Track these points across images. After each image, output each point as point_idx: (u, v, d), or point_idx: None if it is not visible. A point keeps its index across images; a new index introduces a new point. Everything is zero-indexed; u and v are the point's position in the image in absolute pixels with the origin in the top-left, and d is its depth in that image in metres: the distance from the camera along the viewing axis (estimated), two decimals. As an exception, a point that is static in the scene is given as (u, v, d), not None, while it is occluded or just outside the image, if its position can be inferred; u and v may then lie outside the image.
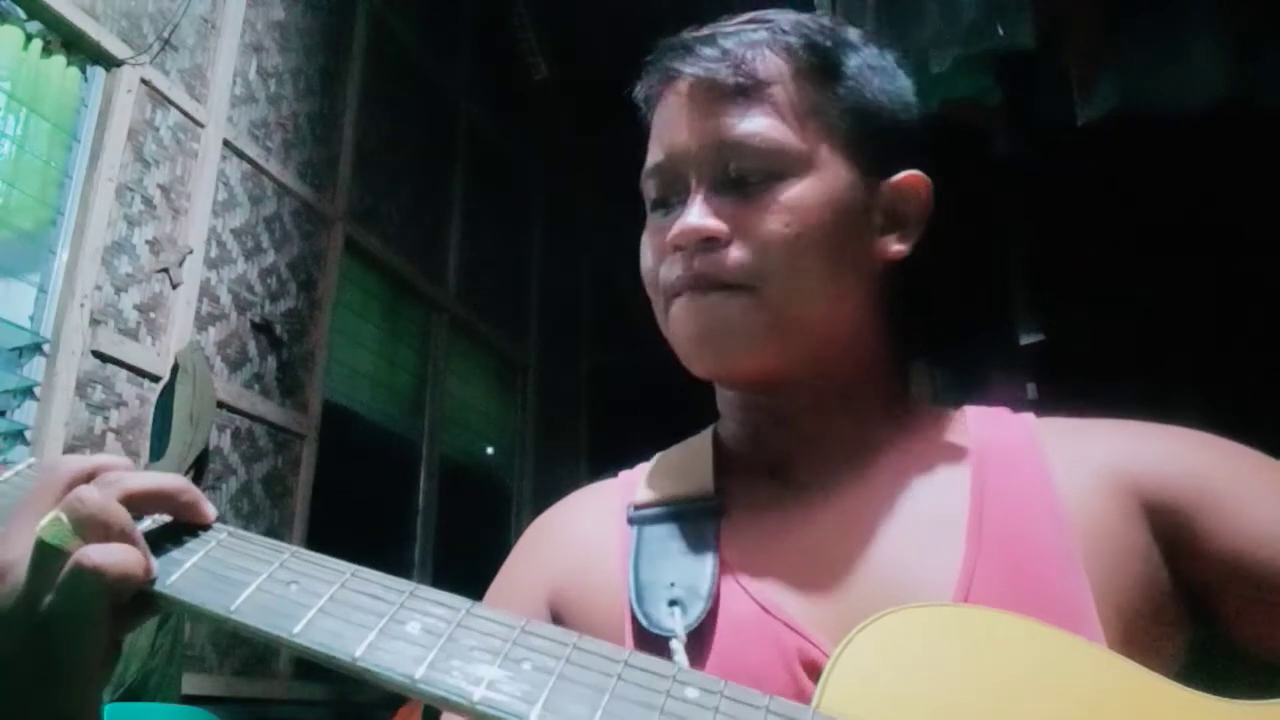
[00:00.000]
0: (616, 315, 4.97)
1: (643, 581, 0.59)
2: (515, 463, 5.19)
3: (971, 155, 2.90)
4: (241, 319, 3.22)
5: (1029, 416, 0.64)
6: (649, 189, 0.66)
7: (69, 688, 0.47)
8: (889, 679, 0.46)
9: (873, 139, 0.63)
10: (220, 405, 3.01)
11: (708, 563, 0.58)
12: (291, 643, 0.44)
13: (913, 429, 0.65)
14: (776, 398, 0.64)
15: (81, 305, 2.57)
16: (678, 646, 0.53)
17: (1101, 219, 3.40)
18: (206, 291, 3.05)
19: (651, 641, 0.55)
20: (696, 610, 0.56)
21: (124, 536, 0.47)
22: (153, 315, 2.83)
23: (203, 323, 3.03)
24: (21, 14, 2.52)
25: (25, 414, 2.47)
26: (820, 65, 0.63)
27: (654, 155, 0.65)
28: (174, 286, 2.90)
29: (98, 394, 2.61)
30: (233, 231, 3.22)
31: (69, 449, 2.48)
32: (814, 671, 0.51)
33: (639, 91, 0.68)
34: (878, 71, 0.65)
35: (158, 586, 0.47)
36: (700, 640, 0.55)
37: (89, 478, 0.50)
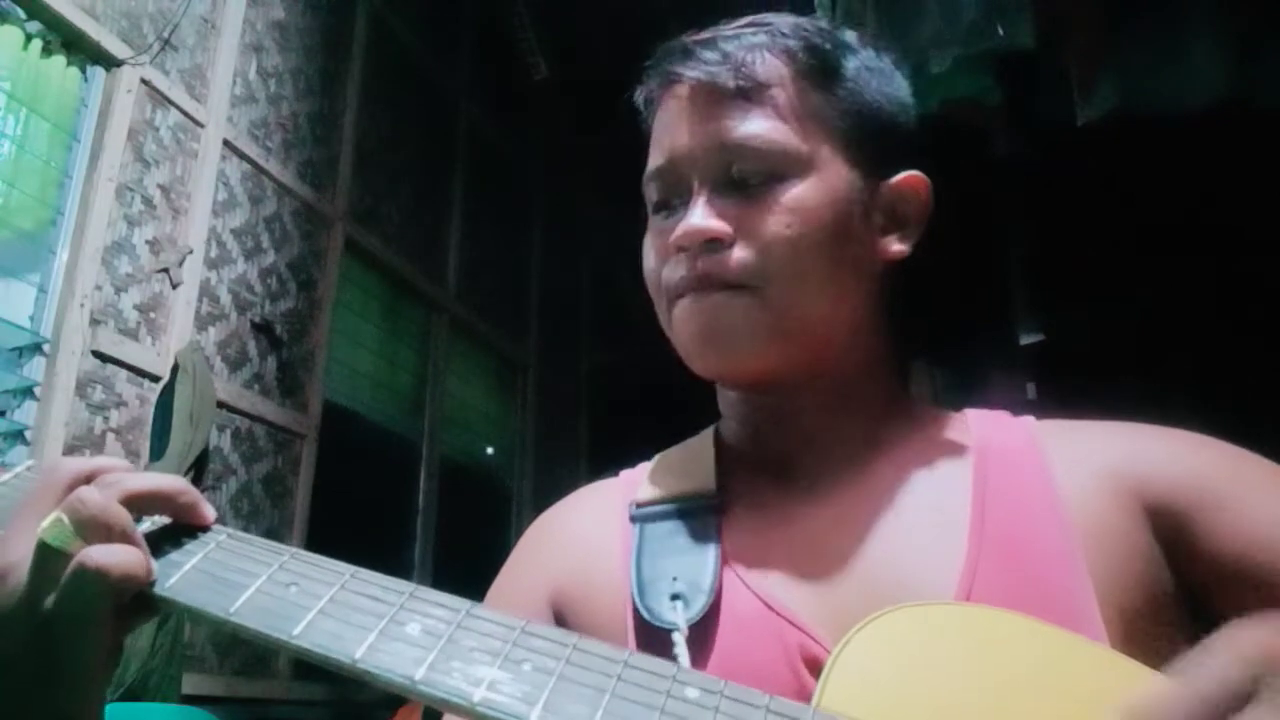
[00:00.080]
0: (616, 315, 4.98)
1: (645, 577, 0.59)
2: (515, 463, 5.19)
3: (971, 155, 2.90)
4: (241, 319, 3.22)
5: (1029, 419, 0.64)
6: (650, 192, 0.66)
7: (71, 688, 0.47)
8: (890, 677, 0.46)
9: (872, 140, 0.64)
10: (220, 405, 3.01)
11: (710, 558, 0.59)
12: (291, 645, 0.44)
13: (914, 428, 0.65)
14: (778, 397, 0.64)
15: (81, 305, 2.57)
16: (679, 639, 0.54)
17: (1101, 219, 3.40)
18: (206, 291, 3.05)
19: (653, 635, 0.55)
20: (699, 604, 0.56)
21: (125, 537, 0.47)
22: (153, 315, 2.83)
23: (203, 323, 3.03)
24: (21, 14, 2.52)
25: (25, 414, 2.47)
26: (820, 67, 0.64)
27: (655, 158, 0.65)
28: (174, 286, 2.90)
29: (98, 394, 2.61)
30: (233, 231, 3.22)
31: (69, 449, 2.48)
32: (815, 667, 0.52)
33: (639, 95, 0.69)
34: (876, 73, 0.66)
35: (157, 589, 0.47)
36: (702, 636, 0.55)
37: (89, 479, 0.50)
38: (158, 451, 2.69)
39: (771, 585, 0.57)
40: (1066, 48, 2.47)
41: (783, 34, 0.64)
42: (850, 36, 0.67)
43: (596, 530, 0.66)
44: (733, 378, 0.65)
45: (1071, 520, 0.56)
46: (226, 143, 3.18)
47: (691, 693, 0.42)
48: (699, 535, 0.61)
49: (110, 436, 2.64)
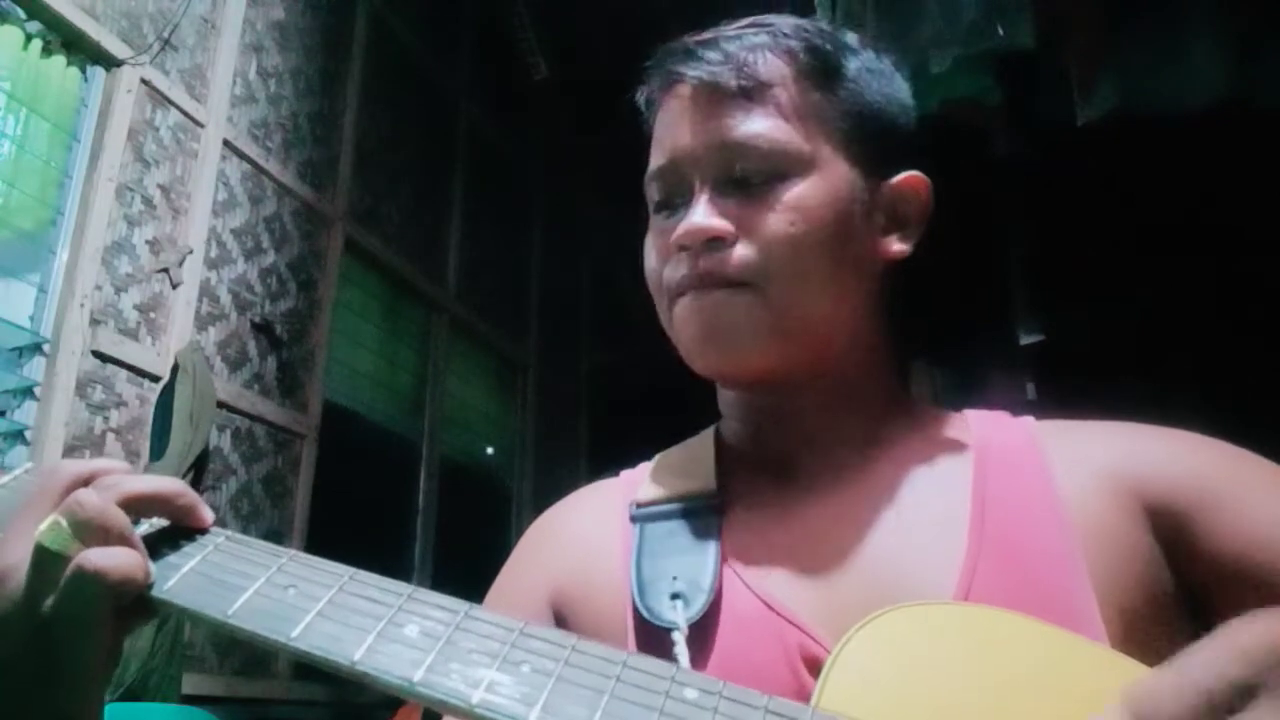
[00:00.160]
0: (616, 315, 4.98)
1: (645, 576, 0.59)
2: (515, 463, 5.19)
3: (971, 155, 2.90)
4: (241, 319, 3.22)
5: (1029, 419, 0.64)
6: (652, 191, 0.66)
7: (70, 689, 0.47)
8: (889, 677, 0.46)
9: (873, 140, 0.64)
10: (220, 405, 3.01)
11: (710, 558, 0.59)
12: (289, 647, 0.44)
13: (913, 428, 0.65)
14: (778, 397, 0.65)
15: (81, 305, 2.57)
16: (679, 638, 0.54)
17: (1101, 219, 3.40)
18: (206, 291, 3.05)
19: (653, 634, 0.55)
20: (698, 603, 0.56)
21: (123, 540, 0.47)
22: (153, 315, 2.83)
23: (203, 323, 3.03)
24: (21, 14, 2.52)
25: (25, 414, 2.47)
26: (821, 68, 0.64)
27: (657, 158, 0.65)
28: (174, 286, 2.90)
29: (98, 394, 2.61)
30: (233, 231, 3.22)
31: (69, 449, 2.48)
32: (815, 667, 0.52)
33: (640, 95, 0.69)
34: (876, 75, 0.66)
35: (155, 591, 0.47)
36: (702, 635, 0.55)
37: (87, 481, 0.50)
38: (158, 451, 2.69)
39: (771, 585, 0.57)
40: (1066, 48, 2.47)
41: (784, 34, 0.65)
42: (851, 38, 0.68)
43: (597, 530, 0.66)
44: (733, 376, 0.65)
45: (1071, 520, 0.56)
46: (226, 143, 3.18)
47: (690, 693, 0.42)
48: (699, 535, 0.61)
49: (110, 436, 2.64)
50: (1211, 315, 3.34)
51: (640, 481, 0.68)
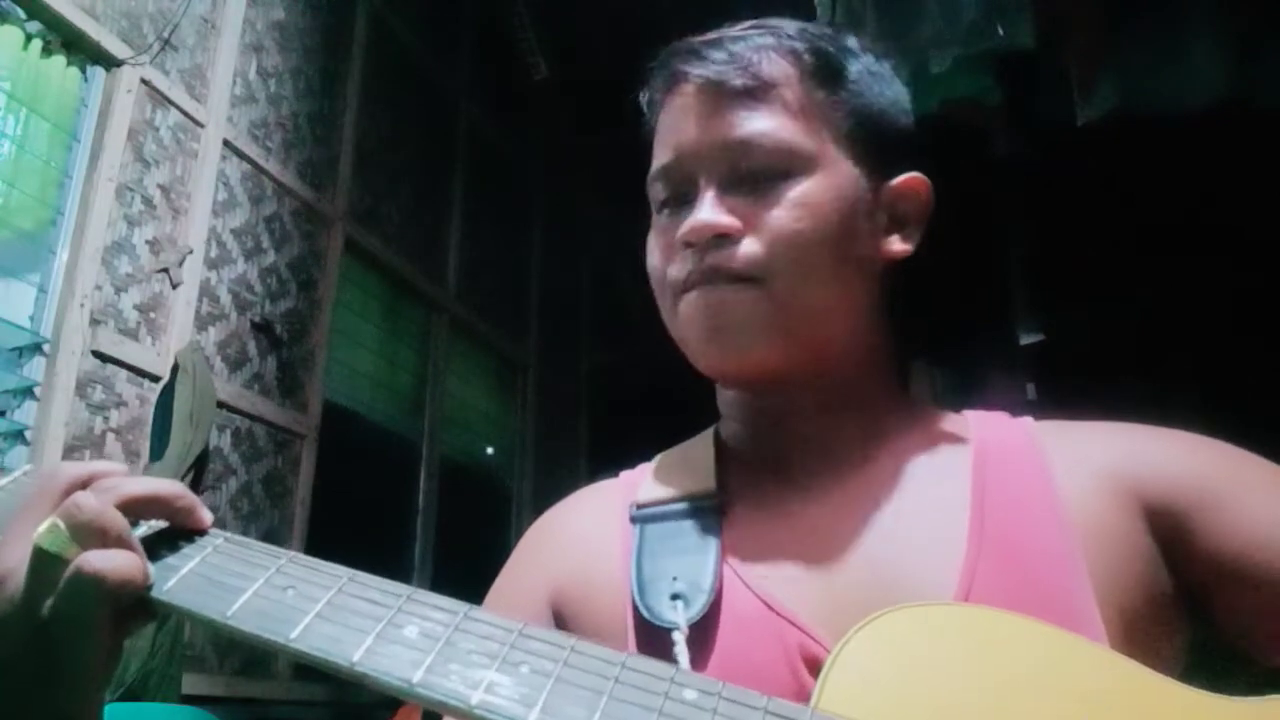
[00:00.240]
0: (616, 315, 4.98)
1: (645, 576, 0.59)
2: (515, 463, 5.19)
3: (971, 155, 2.90)
4: (241, 319, 3.22)
5: (1028, 419, 0.65)
6: (656, 190, 0.66)
7: (70, 691, 0.47)
8: (889, 677, 0.46)
9: (874, 141, 0.65)
10: (220, 405, 3.01)
11: (710, 558, 0.59)
12: (289, 648, 0.44)
13: (913, 428, 0.65)
14: (778, 397, 0.65)
15: (81, 305, 2.57)
16: (679, 638, 0.54)
17: (1101, 219, 3.40)
18: (206, 291, 3.05)
19: (653, 634, 0.55)
20: (699, 604, 0.56)
21: (121, 542, 0.47)
22: (153, 315, 2.83)
23: (203, 323, 3.03)
24: (21, 14, 2.52)
25: (25, 414, 2.47)
26: (825, 69, 0.64)
27: (661, 156, 0.65)
28: (174, 286, 2.90)
29: (98, 394, 2.61)
30: (233, 231, 3.22)
31: (69, 449, 2.48)
32: (815, 667, 0.52)
33: (644, 94, 0.69)
34: (877, 77, 0.67)
35: (154, 593, 0.47)
36: (702, 635, 0.55)
37: (85, 484, 0.50)
38: (158, 452, 2.69)
39: (771, 585, 0.57)
40: (1066, 48, 2.47)
41: (789, 36, 0.65)
42: (852, 41, 0.68)
43: (597, 531, 0.66)
44: (736, 373, 0.65)
45: (1071, 520, 0.56)
46: (226, 143, 3.18)
47: (689, 694, 0.42)
48: (699, 535, 0.61)
49: (110, 436, 2.64)
50: (1211, 315, 3.34)
51: (640, 482, 0.68)
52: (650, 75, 0.68)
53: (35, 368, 2.51)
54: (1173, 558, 0.55)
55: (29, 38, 2.56)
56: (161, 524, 0.51)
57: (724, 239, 0.60)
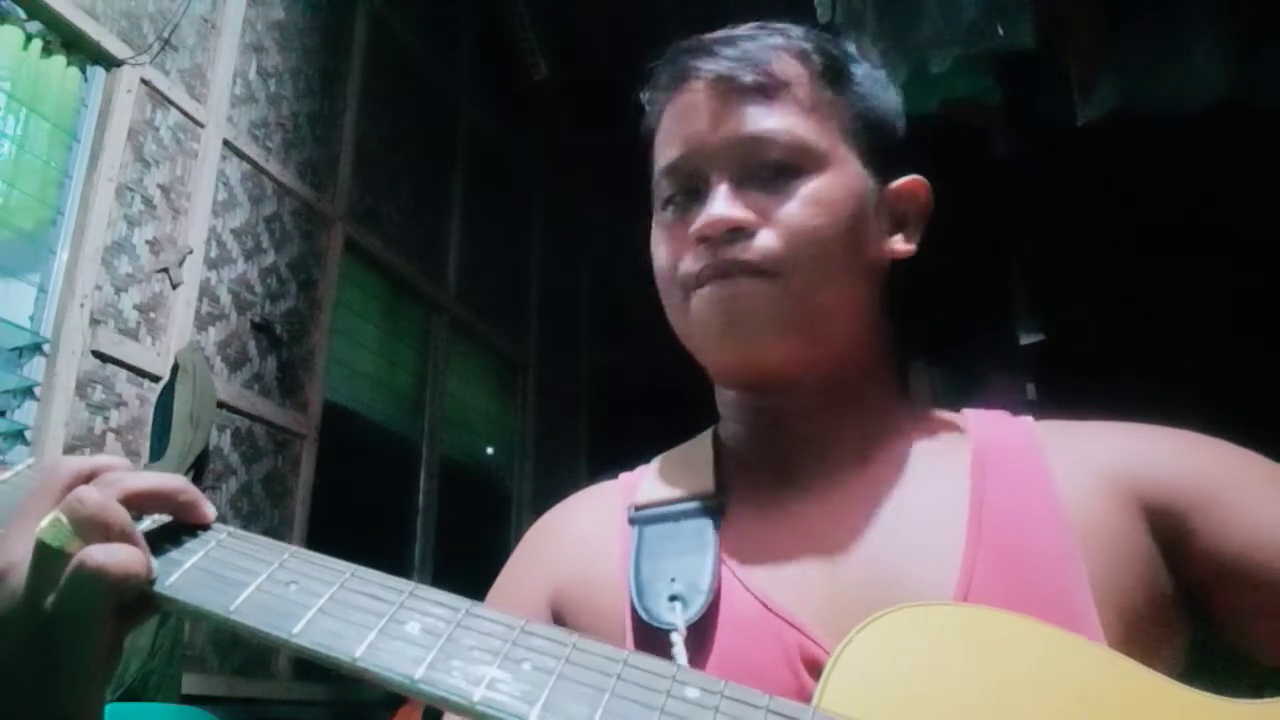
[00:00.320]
0: (616, 315, 4.98)
1: (643, 578, 0.59)
2: (515, 463, 5.19)
3: (971, 155, 2.90)
4: (241, 319, 3.22)
5: (1028, 419, 0.65)
6: (664, 187, 0.66)
7: (71, 688, 0.47)
8: (890, 678, 0.46)
9: (878, 143, 0.66)
10: (220, 405, 3.01)
11: (708, 559, 0.59)
12: (291, 643, 0.44)
13: (913, 429, 0.65)
14: (778, 397, 0.65)
15: (81, 305, 2.57)
16: (677, 640, 0.54)
17: (1101, 219, 3.40)
18: (206, 291, 3.05)
19: (652, 636, 0.55)
20: (697, 605, 0.56)
21: (124, 537, 0.47)
22: (153, 315, 2.83)
23: (203, 323, 3.03)
24: (21, 14, 2.52)
25: (25, 414, 2.47)
26: (833, 70, 0.65)
27: (670, 152, 0.65)
28: (174, 286, 2.90)
29: (98, 394, 2.61)
30: (233, 231, 3.22)
31: (69, 449, 2.48)
32: (815, 668, 0.52)
33: (651, 89, 0.69)
34: (876, 82, 0.68)
35: (157, 587, 0.47)
36: (701, 637, 0.55)
37: (88, 478, 0.50)
38: (158, 451, 2.69)
39: (770, 586, 0.57)
40: (1066, 48, 2.47)
41: (797, 37, 0.66)
42: (851, 46, 0.70)
43: (596, 532, 0.66)
44: (746, 368, 0.64)
45: (1070, 520, 0.56)
46: (226, 143, 3.18)
47: (691, 692, 0.42)
48: (698, 536, 0.61)
49: (110, 436, 2.64)
50: (1211, 315, 3.34)
51: (639, 484, 0.68)
52: (655, 72, 0.68)
53: (35, 368, 2.51)
54: (1173, 558, 0.55)
55: (29, 38, 2.56)
56: (164, 519, 0.51)
57: (738, 233, 0.60)
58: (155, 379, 2.79)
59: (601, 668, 0.43)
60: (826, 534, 0.59)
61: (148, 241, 2.84)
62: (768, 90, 0.62)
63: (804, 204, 0.61)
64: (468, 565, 4.06)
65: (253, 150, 3.32)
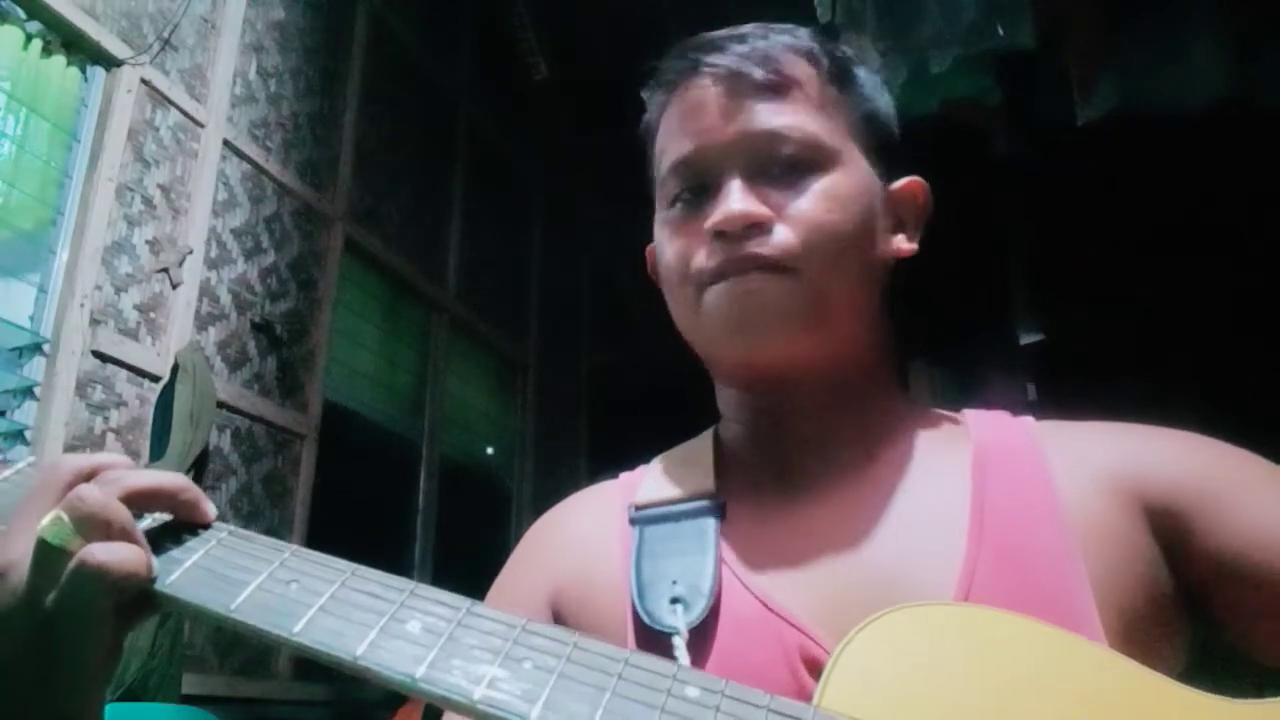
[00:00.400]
0: (616, 315, 4.99)
1: (644, 580, 0.59)
2: (515, 463, 5.19)
3: (971, 155, 2.90)
4: (241, 319, 3.22)
5: (1028, 419, 0.65)
6: (673, 183, 0.65)
7: (71, 687, 0.47)
8: (890, 677, 0.46)
9: (881, 144, 0.66)
10: (220, 405, 3.01)
11: (709, 561, 0.59)
12: (292, 642, 0.44)
13: (913, 429, 0.65)
14: (781, 396, 0.64)
15: (81, 305, 2.57)
16: (680, 643, 0.54)
17: (1101, 219, 3.40)
18: (206, 291, 3.05)
19: (654, 638, 0.55)
20: (699, 607, 0.56)
21: (125, 535, 0.47)
22: (153, 315, 2.83)
23: (203, 323, 3.03)
24: (21, 14, 2.52)
25: (25, 414, 2.47)
26: (839, 71, 0.65)
27: (680, 148, 0.65)
28: (174, 286, 2.90)
29: (98, 394, 2.61)
30: (233, 231, 3.22)
31: (69, 449, 2.47)
32: (815, 669, 0.52)
33: (655, 84, 0.68)
34: (875, 85, 0.69)
35: (158, 586, 0.47)
36: (702, 638, 0.55)
37: (89, 476, 0.50)
38: (158, 451, 2.69)
39: (770, 586, 0.57)
40: (1066, 48, 2.48)
41: (803, 37, 0.66)
42: (850, 49, 0.70)
43: (596, 532, 0.66)
44: (760, 365, 0.63)
45: (1071, 521, 0.56)
46: (226, 143, 3.18)
47: (692, 692, 0.42)
48: (698, 537, 0.61)
49: (110, 436, 2.64)
50: (1211, 315, 3.34)
51: (639, 484, 0.67)
52: (660, 68, 0.68)
53: (35, 368, 2.51)
54: (1173, 558, 0.55)
55: (29, 38, 2.56)
56: (165, 517, 0.51)
57: (754, 229, 0.60)
58: (155, 379, 2.79)
59: (602, 667, 0.43)
60: (827, 534, 0.59)
61: (148, 241, 2.84)
62: (778, 88, 0.62)
63: (818, 200, 0.61)
64: (468, 565, 4.05)
65: (253, 150, 3.32)
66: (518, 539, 0.72)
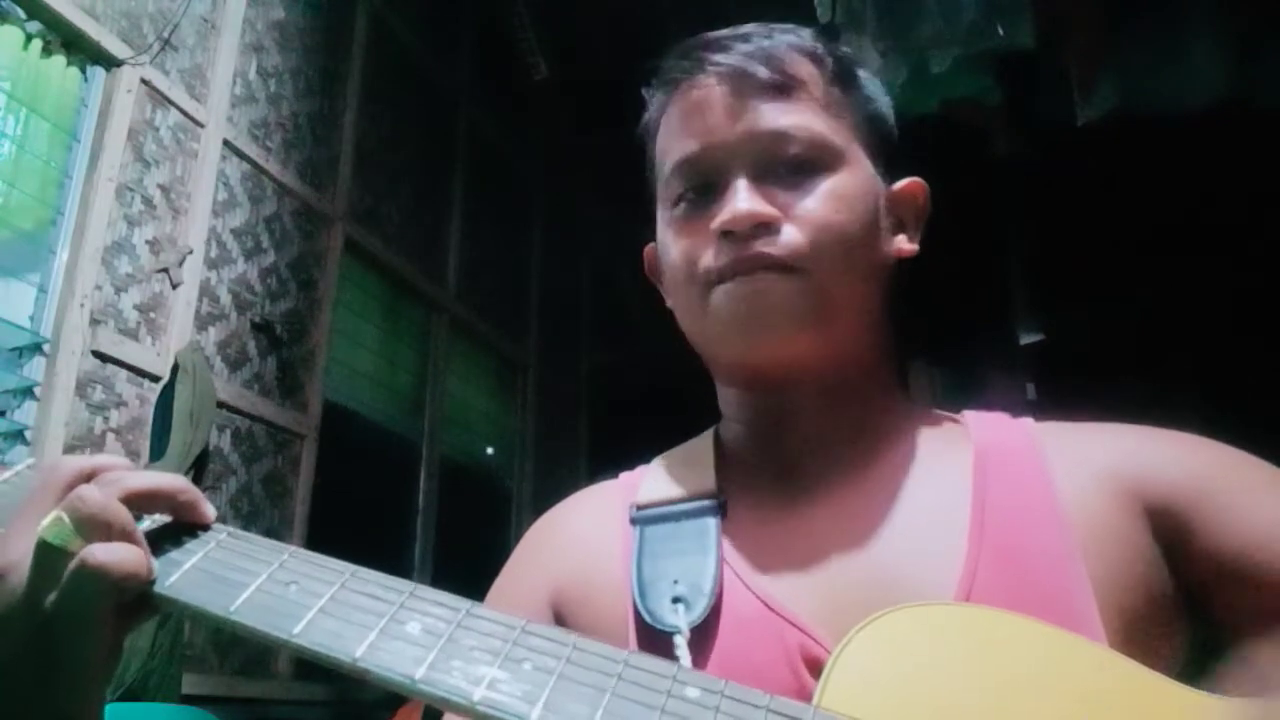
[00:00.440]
0: (616, 315, 4.98)
1: (645, 579, 0.59)
2: (515, 463, 5.19)
3: (971, 155, 2.90)
4: (241, 319, 3.22)
5: (1028, 421, 0.65)
6: (677, 182, 0.65)
7: (71, 688, 0.47)
8: (890, 677, 0.46)
9: (882, 144, 0.67)
10: (220, 405, 3.01)
11: (710, 560, 0.59)
12: (291, 643, 0.44)
13: (914, 430, 0.66)
14: (783, 396, 0.64)
15: (81, 305, 2.57)
16: (681, 642, 0.54)
17: (1101, 219, 3.40)
18: (206, 291, 3.05)
19: (655, 638, 0.55)
20: (700, 607, 0.56)
21: (125, 536, 0.47)
22: (153, 315, 2.83)
23: (203, 323, 3.03)
24: (21, 14, 2.52)
25: (25, 414, 2.47)
26: (842, 72, 0.66)
27: (684, 146, 0.64)
28: (174, 286, 2.90)
29: (98, 394, 2.61)
30: (233, 231, 3.22)
31: (69, 449, 2.47)
32: (816, 668, 0.52)
33: (657, 82, 0.68)
34: (876, 86, 0.69)
35: (157, 588, 0.47)
36: (703, 637, 0.55)
37: (89, 477, 0.50)
38: (158, 451, 2.69)
39: (772, 586, 0.57)
40: (1066, 48, 2.48)
41: (807, 37, 0.66)
42: (850, 51, 0.70)
43: (597, 532, 0.66)
44: (766, 364, 0.63)
45: (1071, 522, 0.56)
46: (226, 143, 3.18)
47: (692, 692, 0.42)
48: (699, 537, 0.61)
49: (110, 436, 2.64)
50: (1211, 315, 3.34)
51: (640, 483, 0.67)
52: (663, 67, 0.67)
53: (35, 368, 2.51)
54: (1173, 558, 0.55)
55: (29, 38, 2.56)
56: (165, 518, 0.51)
57: (762, 228, 0.60)
58: (155, 379, 2.79)
59: (602, 668, 0.43)
60: (829, 534, 0.59)
61: (148, 241, 2.84)
62: (784, 88, 0.62)
63: (825, 200, 0.61)
64: (468, 565, 4.05)
65: (253, 150, 3.32)
66: (518, 539, 0.72)
